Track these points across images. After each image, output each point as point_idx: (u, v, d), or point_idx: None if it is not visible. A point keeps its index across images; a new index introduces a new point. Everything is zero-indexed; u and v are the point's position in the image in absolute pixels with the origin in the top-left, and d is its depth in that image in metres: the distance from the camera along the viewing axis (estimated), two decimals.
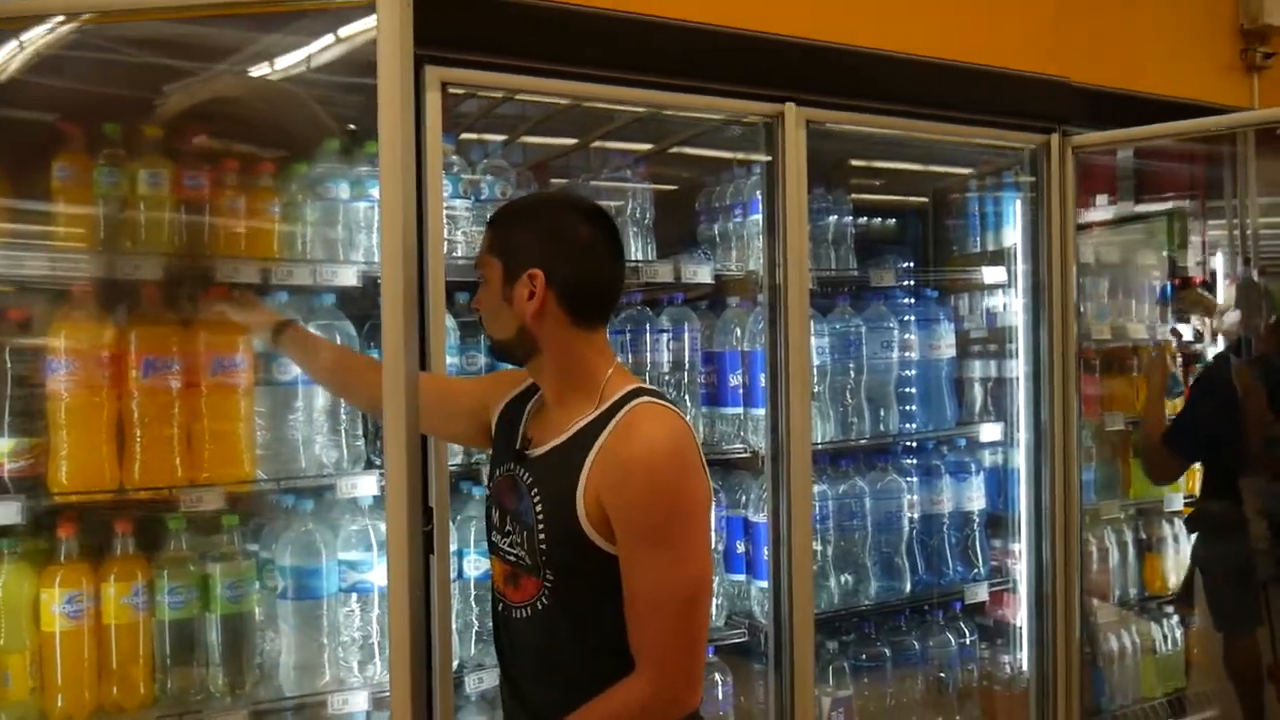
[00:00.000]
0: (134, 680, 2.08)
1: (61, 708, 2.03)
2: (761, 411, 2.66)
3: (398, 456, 1.60)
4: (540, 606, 1.67)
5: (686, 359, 2.73)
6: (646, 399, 1.66)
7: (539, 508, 1.65)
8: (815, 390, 2.80)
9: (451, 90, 2.16)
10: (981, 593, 3.04)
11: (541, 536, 1.64)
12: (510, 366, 1.87)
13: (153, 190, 2.12)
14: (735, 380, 2.73)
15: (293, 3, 2.04)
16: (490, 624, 2.35)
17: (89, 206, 2.10)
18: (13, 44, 1.95)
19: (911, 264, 3.29)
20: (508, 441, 1.81)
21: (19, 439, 2.01)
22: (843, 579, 2.88)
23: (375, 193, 2.26)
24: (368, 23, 1.62)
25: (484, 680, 2.31)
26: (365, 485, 2.20)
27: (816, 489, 2.79)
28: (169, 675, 2.12)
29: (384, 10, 1.61)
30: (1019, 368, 3.12)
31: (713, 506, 1.75)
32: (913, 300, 3.10)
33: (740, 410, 2.76)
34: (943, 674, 3.04)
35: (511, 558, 1.72)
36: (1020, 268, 3.11)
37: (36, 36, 1.93)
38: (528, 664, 1.73)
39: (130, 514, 2.09)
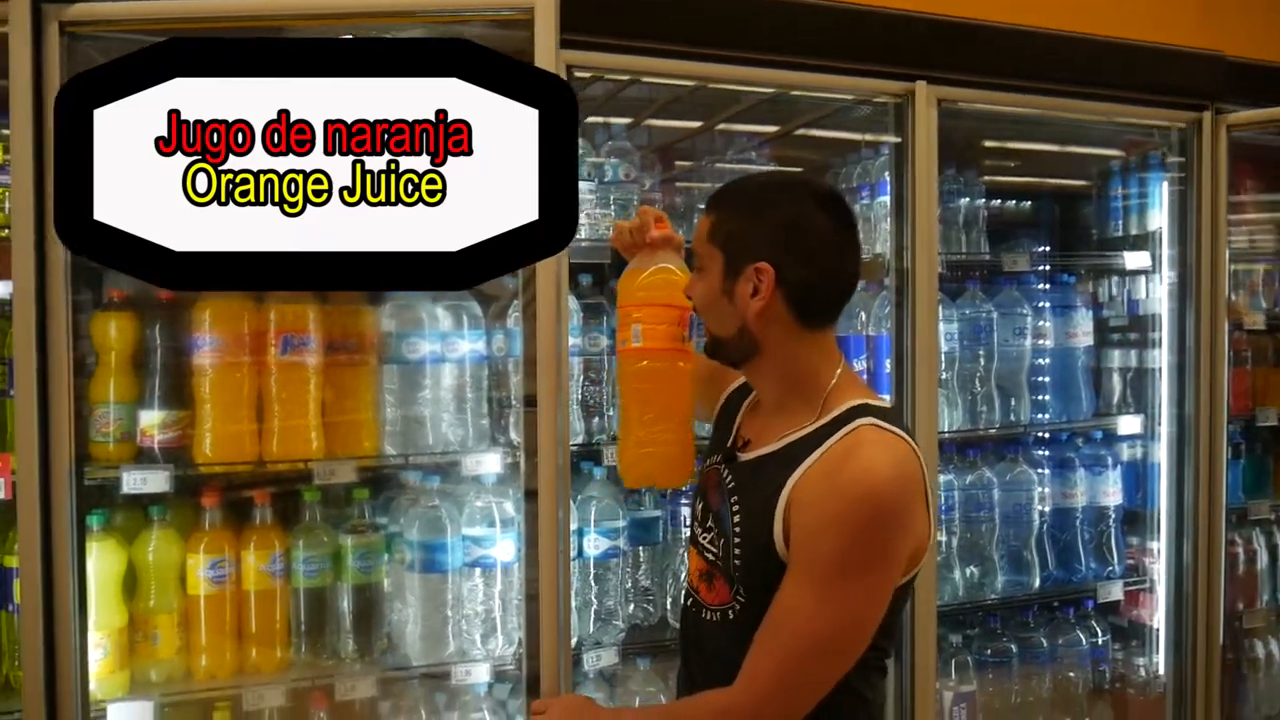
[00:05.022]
0: (271, 644, 2.18)
1: (205, 667, 2.15)
2: (886, 399, 2.59)
3: (550, 439, 1.65)
4: (730, 616, 1.55)
5: None
6: (872, 420, 1.47)
7: (737, 518, 1.53)
8: (943, 377, 2.73)
9: (578, 74, 2.17)
10: (1116, 591, 2.92)
11: (737, 550, 1.53)
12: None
13: None
14: (859, 366, 2.68)
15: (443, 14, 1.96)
16: (608, 604, 2.39)
17: None
18: None
19: (1047, 248, 3.16)
20: (723, 433, 1.69)
21: (168, 411, 2.12)
22: (968, 571, 2.81)
23: None
24: None
25: (601, 658, 2.33)
26: (489, 463, 2.24)
27: (942, 479, 2.73)
28: (303, 640, 2.21)
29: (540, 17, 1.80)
30: (1162, 358, 2.97)
31: (915, 567, 1.51)
32: (1048, 286, 2.98)
33: None
34: (1072, 674, 2.93)
35: (710, 555, 1.60)
36: (1165, 253, 2.96)
37: None
38: (713, 666, 1.56)
39: (268, 485, 2.19)
